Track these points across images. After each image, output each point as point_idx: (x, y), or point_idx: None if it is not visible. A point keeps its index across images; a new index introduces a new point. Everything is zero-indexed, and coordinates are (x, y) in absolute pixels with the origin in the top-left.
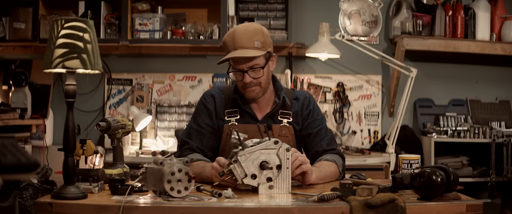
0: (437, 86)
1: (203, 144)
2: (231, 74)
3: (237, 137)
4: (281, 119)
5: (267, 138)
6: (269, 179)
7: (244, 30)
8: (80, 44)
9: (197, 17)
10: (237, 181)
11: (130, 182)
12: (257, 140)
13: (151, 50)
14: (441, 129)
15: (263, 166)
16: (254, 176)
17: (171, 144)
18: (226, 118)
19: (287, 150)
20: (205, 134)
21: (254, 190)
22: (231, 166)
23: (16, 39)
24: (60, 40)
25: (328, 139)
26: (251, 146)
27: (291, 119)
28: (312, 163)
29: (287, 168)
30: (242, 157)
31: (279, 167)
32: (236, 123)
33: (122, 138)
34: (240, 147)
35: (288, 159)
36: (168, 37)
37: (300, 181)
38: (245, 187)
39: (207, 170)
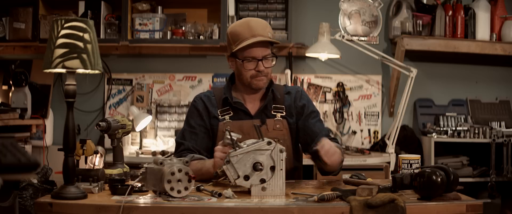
0: (437, 86)
1: (197, 143)
2: (244, 62)
3: (229, 137)
4: (275, 113)
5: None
6: (262, 181)
7: (257, 21)
8: (80, 44)
9: (197, 17)
10: (231, 182)
11: (130, 182)
12: (253, 140)
13: (151, 50)
14: (441, 129)
15: (256, 167)
16: (247, 177)
17: (171, 144)
18: (220, 116)
19: (281, 152)
20: (199, 134)
21: None
22: (224, 166)
23: (16, 39)
24: (60, 40)
25: (326, 131)
26: (245, 146)
27: (284, 112)
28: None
29: (281, 169)
30: (234, 158)
31: (272, 168)
32: (231, 121)
33: (122, 138)
34: (233, 149)
35: (282, 160)
36: (168, 37)
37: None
38: (243, 188)
39: (207, 163)
